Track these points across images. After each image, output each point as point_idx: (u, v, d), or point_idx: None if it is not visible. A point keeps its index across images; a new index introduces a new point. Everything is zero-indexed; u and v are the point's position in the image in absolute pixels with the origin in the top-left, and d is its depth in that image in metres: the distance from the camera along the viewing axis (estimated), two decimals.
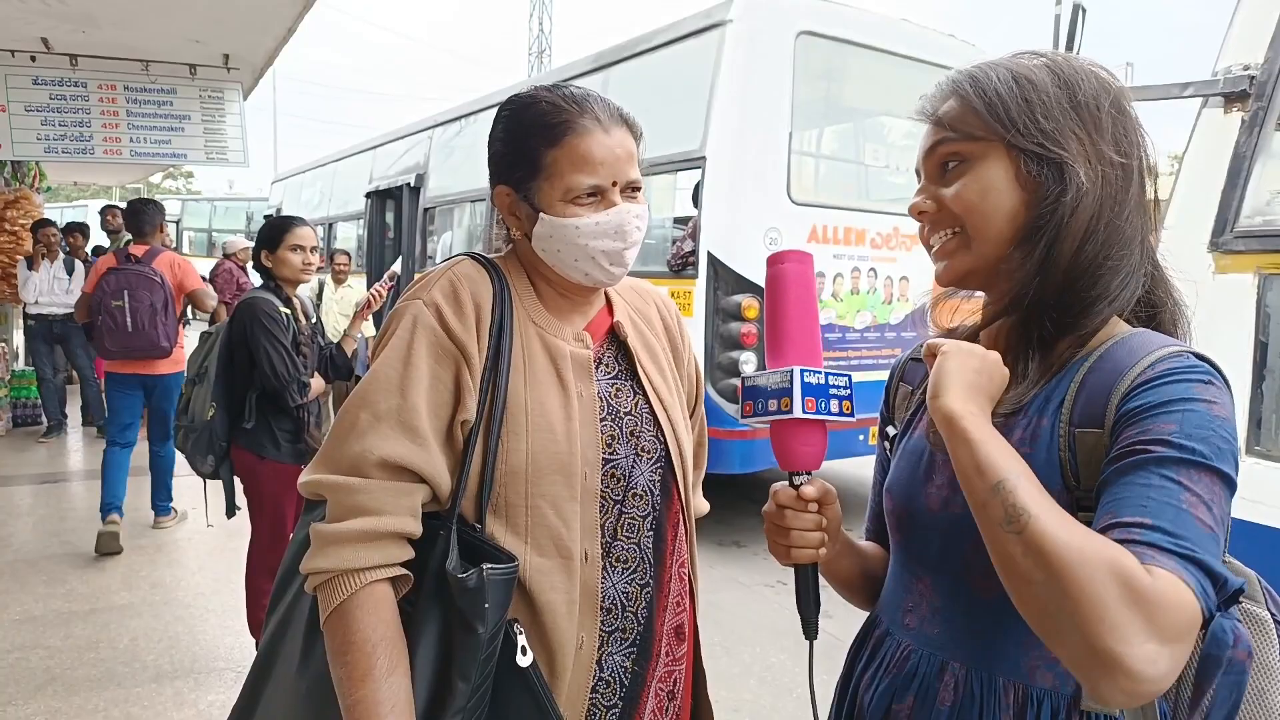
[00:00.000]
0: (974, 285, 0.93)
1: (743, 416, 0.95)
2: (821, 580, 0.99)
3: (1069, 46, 2.31)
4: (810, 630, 0.94)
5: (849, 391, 0.92)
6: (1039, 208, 0.84)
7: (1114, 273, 0.84)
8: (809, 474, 0.92)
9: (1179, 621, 0.64)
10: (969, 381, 0.80)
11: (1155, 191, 0.89)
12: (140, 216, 4.71)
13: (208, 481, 3.05)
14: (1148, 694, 0.64)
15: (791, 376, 0.89)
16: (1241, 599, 0.79)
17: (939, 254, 0.91)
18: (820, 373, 0.90)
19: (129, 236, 4.98)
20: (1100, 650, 0.64)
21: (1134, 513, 0.70)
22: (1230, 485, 0.73)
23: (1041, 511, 0.69)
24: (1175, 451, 0.72)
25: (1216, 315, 1.79)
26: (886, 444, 1.08)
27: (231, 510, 3.07)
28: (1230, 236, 1.80)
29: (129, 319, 4.38)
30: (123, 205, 7.06)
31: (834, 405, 0.90)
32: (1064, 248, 0.83)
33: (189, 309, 4.94)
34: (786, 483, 0.93)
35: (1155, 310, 0.90)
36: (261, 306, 2.86)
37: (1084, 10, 2.26)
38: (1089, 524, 0.75)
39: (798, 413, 0.88)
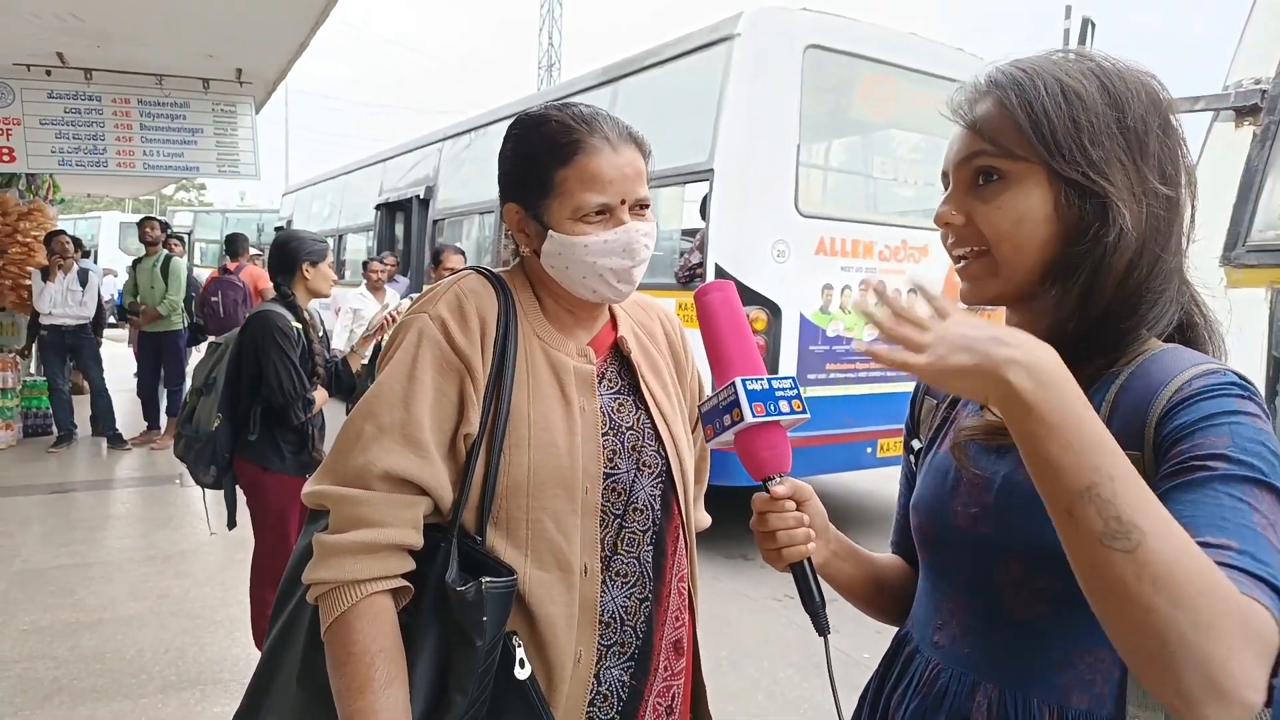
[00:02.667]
0: (1002, 305, 0.90)
1: (707, 440, 0.98)
2: (832, 594, 0.98)
3: None
4: (821, 626, 0.94)
5: (795, 391, 0.95)
6: (1076, 243, 0.79)
7: (1151, 305, 0.80)
8: (780, 476, 0.94)
9: (1271, 652, 0.63)
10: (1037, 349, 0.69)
11: (1194, 210, 0.84)
12: (235, 244, 7.87)
13: (207, 491, 3.07)
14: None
15: (735, 388, 0.93)
16: None
17: (964, 274, 0.87)
18: (762, 379, 0.94)
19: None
20: (1220, 678, 0.61)
21: (1215, 533, 0.66)
22: None
23: (1155, 526, 0.63)
24: (1235, 467, 0.69)
25: (1228, 330, 1.78)
26: (912, 458, 1.06)
27: (233, 521, 3.07)
28: (1242, 251, 1.78)
29: (222, 309, 7.05)
30: (161, 218, 7.62)
31: (783, 405, 0.93)
32: (1103, 286, 0.79)
33: None
34: (763, 490, 0.95)
35: (1187, 328, 0.86)
36: (275, 321, 2.87)
37: (1093, 24, 2.26)
38: None
39: (749, 419, 0.91)
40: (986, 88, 0.83)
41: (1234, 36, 1.94)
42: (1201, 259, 1.83)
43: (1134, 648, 0.64)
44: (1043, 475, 0.67)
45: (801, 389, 0.96)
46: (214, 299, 7.15)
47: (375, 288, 6.54)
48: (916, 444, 1.05)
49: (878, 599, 1.06)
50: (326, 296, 3.17)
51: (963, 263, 0.86)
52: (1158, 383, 0.76)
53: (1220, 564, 0.64)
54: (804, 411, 0.94)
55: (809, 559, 0.94)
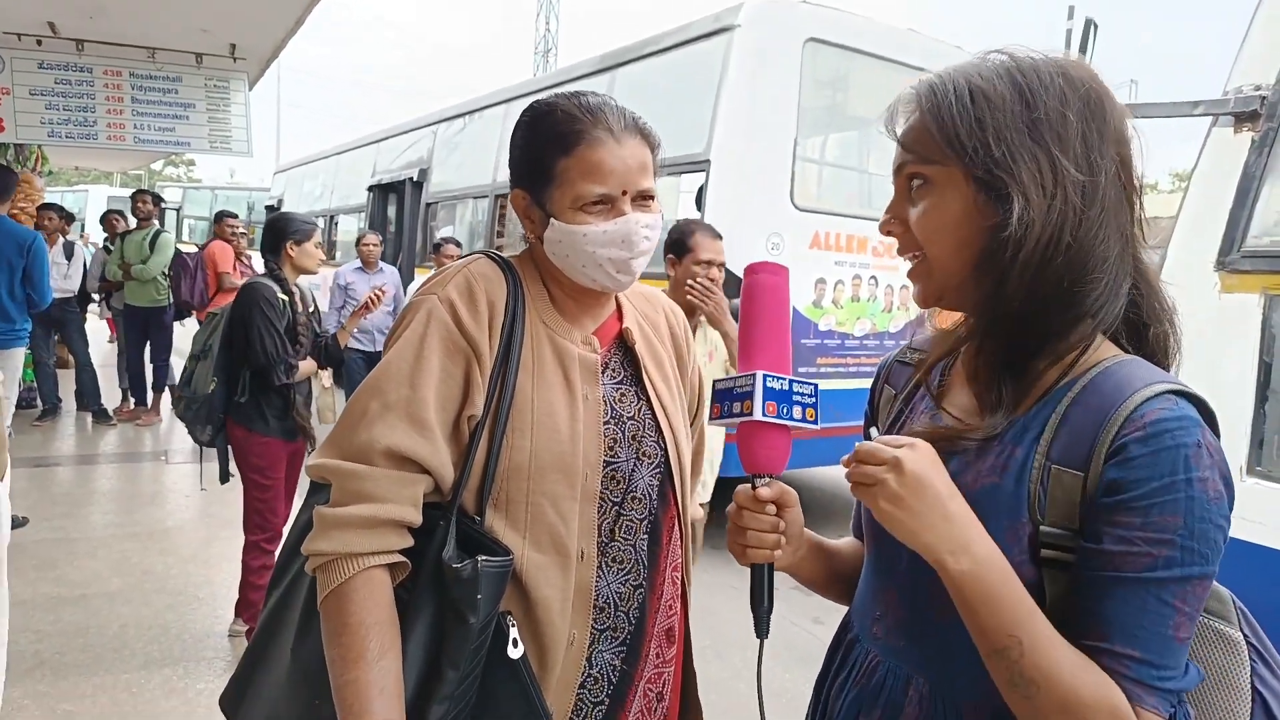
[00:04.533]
0: (949, 307, 0.92)
1: (710, 419, 0.97)
2: (806, 589, 0.99)
3: None
4: (761, 629, 0.94)
5: (814, 400, 0.93)
6: (995, 233, 0.81)
7: (1087, 294, 0.81)
8: (770, 477, 0.94)
9: None
10: (946, 511, 0.78)
11: (1139, 197, 0.85)
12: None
13: (203, 451, 3.34)
14: None
15: (754, 381, 0.91)
16: (1213, 619, 0.83)
17: (910, 275, 0.91)
18: (784, 379, 0.92)
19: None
20: None
21: (1124, 642, 0.74)
22: (1214, 577, 0.77)
23: (1048, 681, 0.74)
24: (1179, 563, 0.73)
25: (1221, 335, 1.79)
26: None
27: (224, 477, 3.28)
28: (1237, 256, 1.80)
29: (175, 283, 6.92)
30: (153, 192, 7.52)
31: (796, 411, 0.92)
32: (1018, 275, 0.80)
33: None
34: (749, 484, 0.94)
35: (1143, 329, 0.86)
36: (262, 292, 3.12)
37: (1095, 25, 2.26)
38: (1055, 564, 0.78)
39: (758, 415, 0.90)
40: (906, 101, 0.88)
41: (1233, 44, 1.95)
42: (1196, 263, 1.84)
43: None
44: (969, 625, 0.78)
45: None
46: (170, 273, 7.18)
47: None
48: (874, 433, 1.07)
49: (839, 586, 1.09)
50: (314, 273, 3.35)
51: (909, 266, 0.90)
52: (1110, 403, 0.77)
53: (1123, 675, 0.74)
54: (815, 422, 0.93)
55: (770, 564, 0.94)
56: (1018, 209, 0.79)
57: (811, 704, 1.04)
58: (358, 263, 6.46)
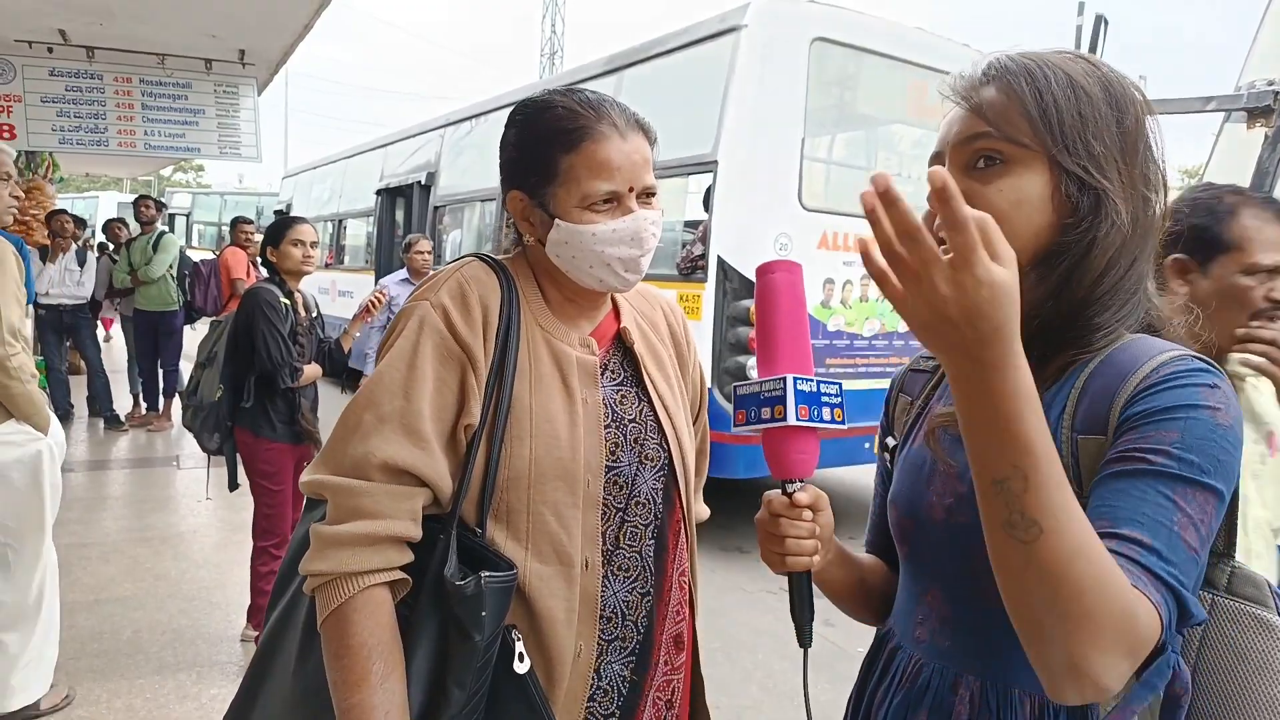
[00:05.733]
0: None
1: (735, 425, 0.94)
2: (816, 590, 0.97)
3: None
4: (804, 638, 0.93)
5: (840, 399, 0.92)
6: (1067, 232, 0.81)
7: (1123, 304, 0.83)
8: (802, 481, 0.92)
9: (1145, 646, 0.68)
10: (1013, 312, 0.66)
11: (1164, 224, 0.87)
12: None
13: (211, 458, 3.37)
14: (1100, 700, 0.69)
15: (785, 384, 0.88)
16: (1250, 604, 0.80)
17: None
18: (812, 380, 0.90)
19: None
20: (1080, 665, 0.66)
21: (1131, 527, 0.70)
22: (1224, 499, 0.73)
23: (1057, 525, 0.65)
24: (1174, 465, 0.71)
25: None
26: (887, 455, 1.06)
27: (233, 484, 3.30)
28: None
29: (187, 287, 7.30)
30: (158, 198, 7.59)
31: (826, 413, 0.90)
32: (1083, 277, 0.81)
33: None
34: (780, 490, 0.92)
35: (1154, 330, 0.87)
36: (264, 296, 3.15)
37: (1106, 22, 2.24)
38: None
39: (792, 420, 0.87)
40: (994, 72, 0.84)
41: (1238, 41, 1.93)
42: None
43: (1015, 619, 0.70)
44: (973, 448, 0.69)
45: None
46: (188, 279, 7.35)
47: None
48: (891, 441, 1.05)
49: (864, 600, 1.06)
50: (304, 272, 3.30)
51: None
52: (1127, 369, 0.78)
53: (1128, 558, 0.69)
54: (843, 422, 0.91)
55: (809, 571, 0.92)
56: (1110, 214, 0.79)
57: (849, 717, 1.02)
58: (403, 273, 5.38)
